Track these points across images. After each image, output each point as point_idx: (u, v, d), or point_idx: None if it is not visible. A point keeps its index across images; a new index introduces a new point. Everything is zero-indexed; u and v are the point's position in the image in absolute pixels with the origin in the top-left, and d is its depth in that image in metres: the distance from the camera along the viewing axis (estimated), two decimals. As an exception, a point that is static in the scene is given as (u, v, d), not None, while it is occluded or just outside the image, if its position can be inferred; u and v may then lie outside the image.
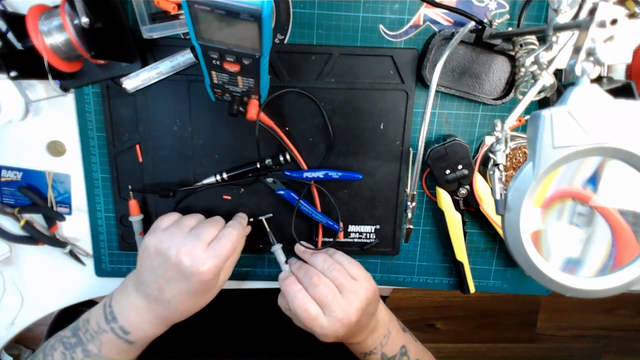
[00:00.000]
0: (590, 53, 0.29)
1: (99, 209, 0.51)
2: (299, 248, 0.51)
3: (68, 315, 0.66)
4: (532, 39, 0.41)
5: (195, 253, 0.41)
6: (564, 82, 0.45)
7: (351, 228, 0.53)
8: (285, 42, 0.47)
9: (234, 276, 0.55)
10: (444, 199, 0.50)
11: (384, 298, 0.82)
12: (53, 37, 0.39)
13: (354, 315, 0.44)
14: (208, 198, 0.51)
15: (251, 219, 0.51)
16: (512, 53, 0.44)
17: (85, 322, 0.45)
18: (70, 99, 0.47)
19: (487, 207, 0.49)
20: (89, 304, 0.60)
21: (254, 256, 0.54)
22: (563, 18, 0.34)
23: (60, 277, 0.54)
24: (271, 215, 0.51)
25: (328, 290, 0.44)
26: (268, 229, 0.51)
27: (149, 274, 0.43)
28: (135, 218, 0.50)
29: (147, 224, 0.51)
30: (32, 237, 0.51)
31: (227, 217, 0.50)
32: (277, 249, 0.51)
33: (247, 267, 0.55)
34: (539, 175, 0.29)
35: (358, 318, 0.44)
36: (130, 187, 0.49)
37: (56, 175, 0.50)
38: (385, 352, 0.50)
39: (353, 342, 0.48)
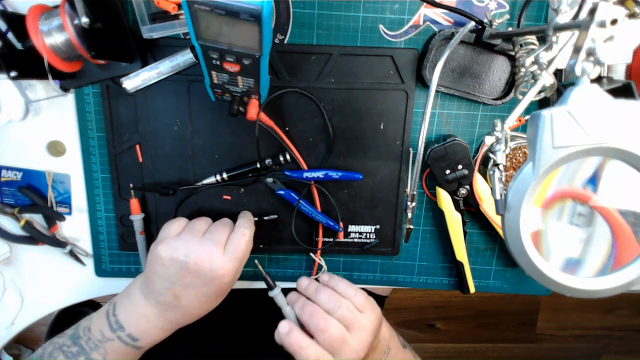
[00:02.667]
0: (590, 53, 0.29)
1: (99, 209, 0.51)
2: (301, 284, 0.48)
3: (68, 315, 0.66)
4: (532, 39, 0.41)
5: (214, 258, 0.42)
6: (564, 82, 0.45)
7: (351, 228, 0.53)
8: (285, 42, 0.47)
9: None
10: (444, 199, 0.50)
11: (383, 298, 0.82)
12: (53, 37, 0.39)
13: (363, 352, 0.43)
14: (208, 198, 0.51)
15: (256, 219, 0.51)
16: (512, 53, 0.44)
17: (86, 330, 0.44)
18: (70, 99, 0.47)
19: (487, 207, 0.49)
20: (89, 304, 0.60)
21: (254, 256, 0.54)
22: (563, 18, 0.34)
23: (60, 277, 0.54)
24: (276, 216, 0.51)
25: (338, 334, 0.42)
26: (263, 272, 0.47)
27: (161, 282, 0.42)
28: (136, 217, 0.50)
29: (147, 224, 0.51)
30: (32, 237, 0.51)
31: (229, 217, 0.50)
32: (277, 294, 0.47)
33: (247, 267, 0.55)
34: (539, 175, 0.29)
35: (365, 352, 0.44)
36: (131, 185, 0.49)
37: (56, 175, 0.50)
38: None
39: None
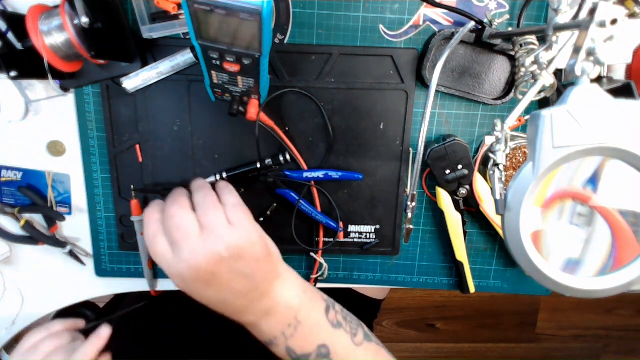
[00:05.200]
0: (590, 53, 0.29)
1: (99, 209, 0.51)
2: (194, 182, 0.43)
3: (68, 315, 0.66)
4: (532, 39, 0.41)
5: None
6: (564, 82, 0.45)
7: (351, 228, 0.53)
8: (285, 42, 0.46)
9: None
10: (444, 199, 0.50)
11: (379, 302, 0.80)
12: (53, 37, 0.39)
13: (204, 260, 0.36)
14: (208, 198, 0.51)
15: (261, 219, 0.50)
16: (512, 53, 0.44)
17: None
18: (70, 99, 0.47)
19: (487, 207, 0.49)
20: (89, 304, 0.60)
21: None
22: (563, 18, 0.34)
23: (60, 277, 0.54)
24: (275, 204, 0.51)
25: (183, 225, 0.37)
26: None
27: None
28: (137, 218, 0.50)
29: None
30: (32, 237, 0.51)
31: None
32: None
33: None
34: (539, 175, 0.29)
35: (212, 267, 0.36)
36: (132, 187, 0.49)
37: (56, 175, 0.50)
38: (291, 347, 0.40)
39: (242, 321, 0.40)
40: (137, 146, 0.49)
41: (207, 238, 0.36)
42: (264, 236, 0.40)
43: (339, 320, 0.42)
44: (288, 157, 0.49)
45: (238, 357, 0.58)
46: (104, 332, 0.45)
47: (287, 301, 0.40)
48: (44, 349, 0.44)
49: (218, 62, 0.38)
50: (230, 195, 0.41)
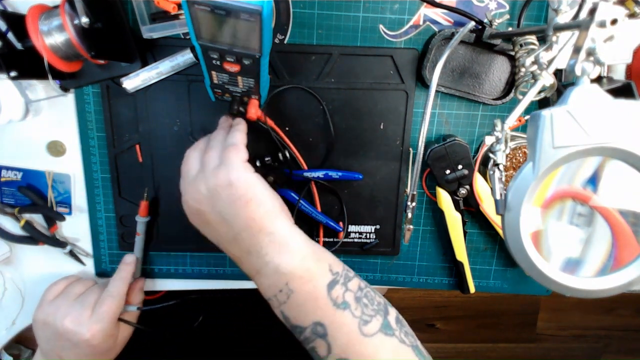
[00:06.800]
0: (590, 53, 0.29)
1: (99, 209, 0.51)
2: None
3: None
4: (532, 39, 0.41)
5: (79, 320, 0.43)
6: (564, 82, 0.45)
7: (351, 228, 0.53)
8: (285, 42, 0.46)
9: (228, 277, 0.55)
10: (444, 199, 0.50)
11: None
12: (53, 37, 0.39)
13: (190, 198, 0.38)
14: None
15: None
16: (512, 53, 0.44)
17: None
18: (70, 99, 0.47)
19: (487, 207, 0.49)
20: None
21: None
22: (563, 18, 0.34)
23: (60, 277, 0.54)
24: (272, 179, 0.50)
25: (188, 165, 0.40)
26: None
27: (45, 344, 0.45)
28: (142, 219, 0.50)
29: (150, 227, 0.51)
30: (32, 237, 0.51)
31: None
32: None
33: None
34: (539, 175, 0.29)
35: (197, 205, 0.38)
36: (146, 188, 0.50)
37: (56, 175, 0.50)
38: (285, 314, 0.37)
39: (242, 268, 0.40)
40: (137, 146, 0.49)
41: (196, 177, 0.38)
42: (252, 182, 0.37)
43: (345, 300, 0.36)
44: (288, 156, 0.49)
45: (243, 358, 0.58)
46: (130, 259, 0.50)
47: (277, 265, 0.36)
48: (74, 291, 0.47)
49: (218, 62, 0.38)
50: (232, 134, 0.40)
